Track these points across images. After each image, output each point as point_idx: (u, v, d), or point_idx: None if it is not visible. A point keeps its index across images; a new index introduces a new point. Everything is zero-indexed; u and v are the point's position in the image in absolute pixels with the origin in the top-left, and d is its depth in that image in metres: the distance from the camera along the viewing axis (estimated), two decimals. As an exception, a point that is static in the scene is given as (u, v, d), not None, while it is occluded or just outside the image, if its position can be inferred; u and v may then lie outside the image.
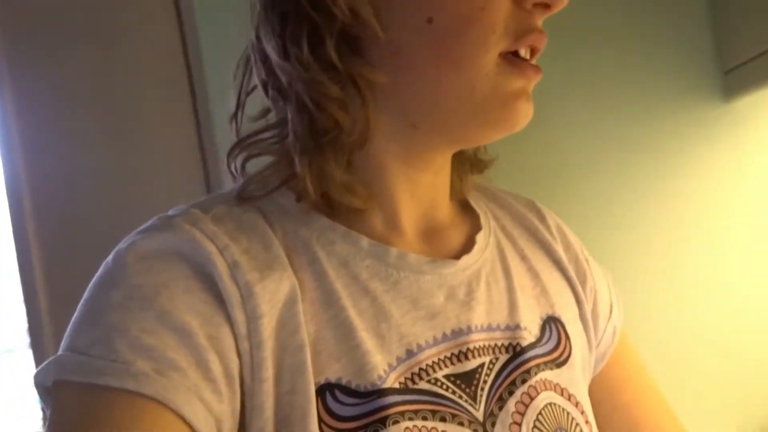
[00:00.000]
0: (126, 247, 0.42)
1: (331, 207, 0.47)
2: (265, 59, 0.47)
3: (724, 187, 1.00)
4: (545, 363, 0.49)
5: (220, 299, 0.40)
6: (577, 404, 0.49)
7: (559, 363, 0.50)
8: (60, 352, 0.39)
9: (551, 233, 0.59)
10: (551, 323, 0.53)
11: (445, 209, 0.54)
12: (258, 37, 0.47)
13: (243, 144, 0.49)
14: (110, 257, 0.42)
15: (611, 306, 0.61)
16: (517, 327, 0.50)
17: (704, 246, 1.00)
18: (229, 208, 0.46)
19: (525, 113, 0.46)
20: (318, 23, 0.43)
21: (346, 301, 0.44)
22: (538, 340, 0.51)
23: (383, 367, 0.42)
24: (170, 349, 0.37)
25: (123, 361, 0.36)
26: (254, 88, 0.50)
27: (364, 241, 0.47)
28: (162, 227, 0.43)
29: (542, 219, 0.60)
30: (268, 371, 0.40)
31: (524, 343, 0.49)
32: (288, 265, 0.44)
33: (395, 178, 0.49)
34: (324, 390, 0.41)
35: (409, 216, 0.50)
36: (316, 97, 0.43)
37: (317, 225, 0.47)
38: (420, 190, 0.51)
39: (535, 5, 0.44)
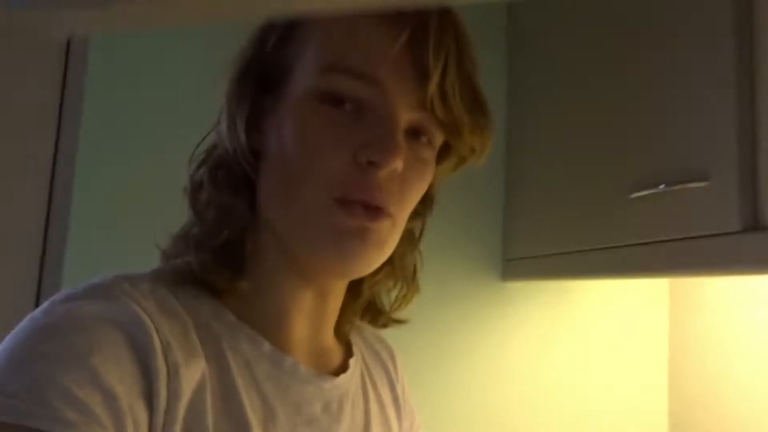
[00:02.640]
0: (61, 308, 0.43)
1: (240, 304, 0.52)
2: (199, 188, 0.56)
3: (490, 344, 1.30)
4: None
5: (145, 373, 0.42)
6: None
7: None
8: None
9: (397, 374, 0.69)
10: None
11: (329, 335, 0.60)
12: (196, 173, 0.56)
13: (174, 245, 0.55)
14: (39, 313, 0.43)
15: None
16: None
17: (485, 391, 1.27)
18: (152, 287, 0.48)
19: (352, 249, 0.49)
20: (230, 156, 0.54)
21: (244, 398, 0.48)
22: None
23: None
24: (97, 406, 0.38)
25: (53, 408, 0.37)
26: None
27: (266, 346, 0.51)
28: (98, 295, 0.45)
29: (392, 360, 0.70)
30: None
31: None
32: (202, 354, 0.47)
33: (282, 294, 0.54)
34: None
35: (298, 331, 0.55)
36: (227, 216, 0.53)
37: (226, 321, 0.51)
38: (306, 309, 0.55)
39: (369, 163, 0.48)
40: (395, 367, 0.69)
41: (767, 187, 0.67)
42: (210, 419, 0.45)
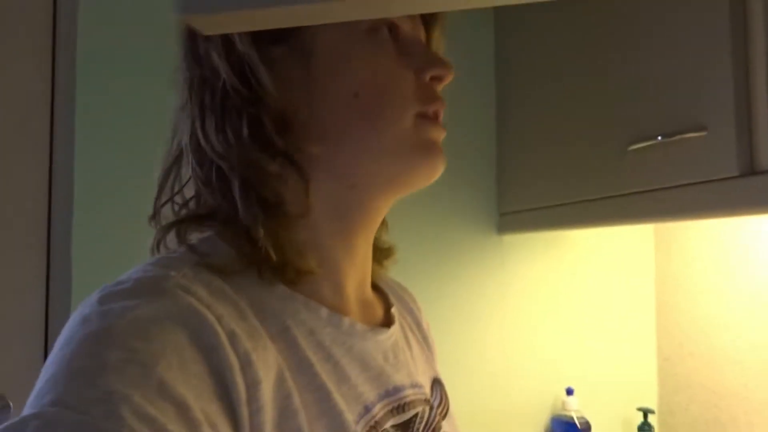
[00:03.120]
0: (116, 309, 0.40)
1: (285, 276, 0.50)
2: (201, 153, 0.50)
3: (490, 296, 1.36)
4: (440, 415, 0.60)
5: (215, 371, 0.40)
6: None
7: (444, 415, 0.61)
8: (39, 408, 0.35)
9: (420, 314, 0.71)
10: (436, 384, 0.63)
11: (369, 287, 0.61)
12: (193, 134, 0.50)
13: (184, 224, 0.51)
14: (92, 315, 0.40)
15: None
16: (422, 386, 0.59)
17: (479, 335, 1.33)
18: (195, 272, 0.46)
19: (441, 159, 0.54)
20: (254, 113, 0.49)
21: (318, 367, 0.48)
22: (432, 396, 0.60)
23: (352, 423, 0.48)
24: (171, 422, 0.36)
25: (130, 428, 0.34)
26: (180, 189, 0.53)
27: (323, 311, 0.51)
28: (152, 291, 0.42)
29: (414, 302, 0.72)
30: None
31: (429, 398, 0.59)
32: (266, 334, 0.46)
33: (337, 247, 0.54)
34: None
35: (350, 286, 0.55)
36: (258, 175, 0.49)
37: (279, 294, 0.50)
38: (357, 259, 0.56)
39: (432, 78, 0.54)
40: (418, 308, 0.72)
41: (763, 134, 0.72)
42: (296, 397, 0.44)
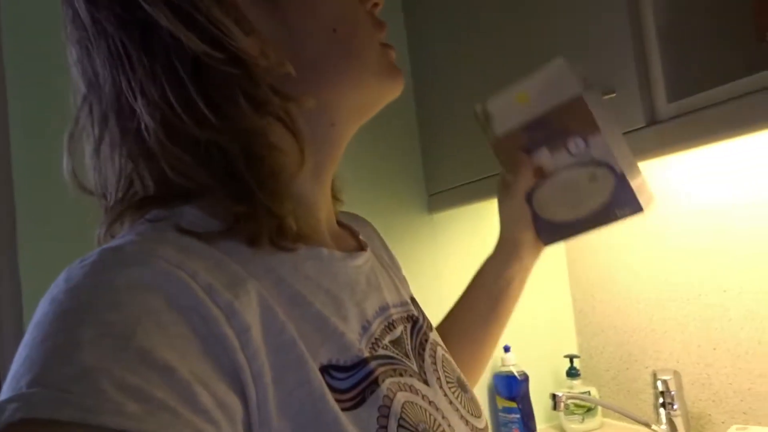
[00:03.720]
0: (85, 283, 0.38)
1: (282, 243, 0.49)
2: (175, 131, 0.46)
3: (425, 274, 1.47)
4: (427, 327, 0.62)
5: (197, 330, 0.38)
6: (451, 355, 0.63)
7: (429, 328, 0.63)
8: (16, 390, 0.33)
9: (383, 241, 0.75)
10: (413, 302, 0.66)
11: (334, 217, 0.62)
12: (157, 110, 0.46)
13: (144, 206, 0.48)
14: (60, 292, 0.38)
15: None
16: (405, 303, 0.61)
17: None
18: (160, 235, 0.44)
19: (402, 77, 0.57)
20: (240, 76, 0.46)
21: (310, 297, 0.48)
22: (416, 312, 0.62)
23: (356, 342, 0.48)
24: (157, 389, 0.34)
25: (114, 401, 0.32)
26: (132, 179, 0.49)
27: (301, 248, 0.50)
28: (118, 261, 0.40)
29: (374, 230, 0.75)
30: (268, 376, 0.40)
31: (414, 314, 0.61)
32: (248, 277, 0.44)
33: (312, 185, 0.55)
34: (321, 374, 0.43)
35: (323, 220, 0.57)
36: (263, 144, 0.48)
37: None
38: (326, 194, 0.58)
39: (374, 5, 0.56)
40: (378, 234, 0.75)
41: (660, 90, 0.89)
42: (291, 328, 0.44)
